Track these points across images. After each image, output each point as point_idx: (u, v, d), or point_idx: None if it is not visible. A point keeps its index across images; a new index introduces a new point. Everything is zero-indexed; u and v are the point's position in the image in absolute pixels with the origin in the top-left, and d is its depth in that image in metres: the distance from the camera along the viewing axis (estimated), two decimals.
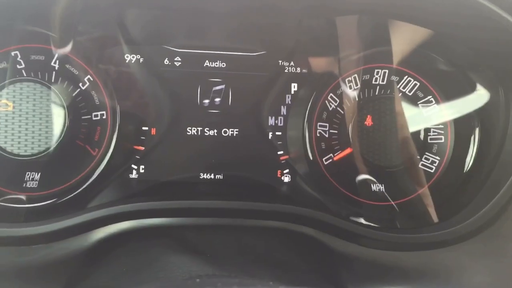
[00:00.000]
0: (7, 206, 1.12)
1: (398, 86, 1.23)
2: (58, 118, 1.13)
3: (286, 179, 1.24)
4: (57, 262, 1.06)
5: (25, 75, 1.13)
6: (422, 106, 1.23)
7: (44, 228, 1.03)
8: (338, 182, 1.24)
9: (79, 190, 1.16)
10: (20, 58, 1.13)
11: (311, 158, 1.24)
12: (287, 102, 1.24)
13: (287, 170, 1.24)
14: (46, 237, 1.04)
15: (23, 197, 1.14)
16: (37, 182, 1.14)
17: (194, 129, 1.22)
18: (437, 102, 1.23)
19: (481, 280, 1.10)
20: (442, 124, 1.24)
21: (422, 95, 1.23)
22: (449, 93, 1.24)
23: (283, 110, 1.24)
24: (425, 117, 1.24)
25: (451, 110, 1.23)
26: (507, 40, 0.99)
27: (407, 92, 1.23)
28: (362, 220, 1.23)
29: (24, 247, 1.04)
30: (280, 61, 1.23)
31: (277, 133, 1.24)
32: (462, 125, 1.22)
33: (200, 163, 1.23)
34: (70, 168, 1.16)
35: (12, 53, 1.13)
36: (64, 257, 1.06)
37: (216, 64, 1.21)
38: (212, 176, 1.23)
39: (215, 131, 1.22)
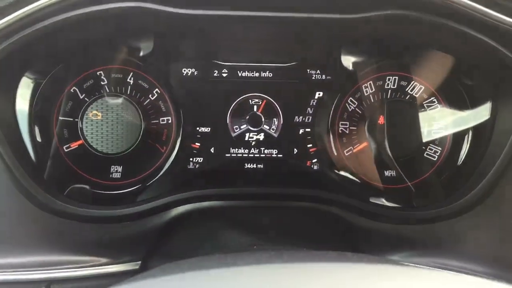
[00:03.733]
0: (99, 192, 1.34)
1: (406, 89, 1.39)
2: (135, 123, 1.31)
3: (315, 167, 1.43)
4: (139, 236, 1.27)
5: (107, 90, 1.32)
6: (427, 105, 1.39)
7: (129, 210, 1.23)
8: (356, 170, 1.42)
9: (154, 179, 1.36)
10: (103, 77, 1.32)
11: (334, 150, 1.42)
12: (314, 104, 1.41)
13: (315, 160, 1.43)
14: (130, 217, 1.24)
15: (110, 185, 1.35)
16: (120, 173, 1.35)
17: (239, 128, 1.41)
18: (439, 102, 1.39)
19: (479, 247, 1.28)
20: (443, 120, 1.39)
21: (427, 96, 1.39)
22: (448, 96, 1.39)
23: (311, 110, 1.41)
24: (429, 114, 1.39)
25: (450, 110, 1.39)
26: (500, 63, 1.14)
27: (414, 94, 1.39)
28: (380, 200, 1.39)
29: (113, 224, 1.25)
30: (308, 70, 1.39)
31: (306, 129, 1.42)
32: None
33: (244, 155, 1.43)
34: (145, 162, 1.36)
35: (97, 73, 1.32)
36: (143, 232, 1.27)
37: (256, 74, 1.39)
38: (255, 166, 1.42)
39: (256, 128, 1.41)
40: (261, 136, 1.42)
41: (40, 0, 1.01)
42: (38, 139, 1.29)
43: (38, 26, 1.04)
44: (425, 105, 1.41)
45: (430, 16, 1.07)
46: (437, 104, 1.40)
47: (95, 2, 1.03)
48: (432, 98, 1.40)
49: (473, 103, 1.37)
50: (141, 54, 1.34)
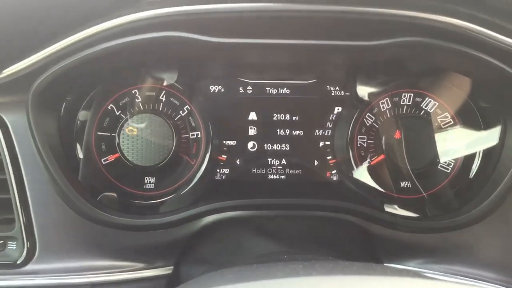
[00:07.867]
0: (134, 202, 1.43)
1: (421, 105, 1.45)
2: (168, 138, 1.38)
3: (335, 178, 1.51)
4: (171, 243, 1.34)
5: (141, 107, 1.41)
6: (441, 120, 1.45)
7: (162, 219, 1.30)
8: (374, 181, 1.48)
9: (185, 190, 1.43)
10: (138, 95, 1.41)
11: (353, 162, 1.48)
12: (333, 119, 1.49)
13: (334, 171, 1.51)
14: (163, 226, 1.31)
15: (144, 195, 1.43)
16: (153, 184, 1.43)
17: (263, 141, 1.50)
18: (453, 121, 1.45)
19: (492, 255, 1.35)
20: (457, 137, 1.45)
21: (440, 112, 1.45)
22: (463, 116, 1.45)
23: (331, 124, 1.49)
24: (443, 131, 1.45)
25: (464, 129, 1.45)
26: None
27: (428, 110, 1.45)
28: (395, 209, 1.44)
29: (148, 232, 1.32)
30: (328, 87, 1.47)
31: (326, 142, 1.50)
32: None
33: (268, 167, 1.51)
34: (176, 174, 1.43)
35: (133, 91, 1.41)
36: (175, 239, 1.34)
37: (279, 91, 1.48)
38: (278, 177, 1.50)
39: (279, 143, 1.50)
40: (284, 148, 1.50)
41: (87, 30, 1.12)
42: (80, 153, 1.40)
43: (82, 54, 1.15)
44: (439, 120, 1.46)
45: (444, 42, 1.15)
46: (451, 120, 1.46)
47: (138, 32, 1.12)
48: (445, 114, 1.46)
49: (486, 124, 1.42)
50: (172, 75, 1.43)
